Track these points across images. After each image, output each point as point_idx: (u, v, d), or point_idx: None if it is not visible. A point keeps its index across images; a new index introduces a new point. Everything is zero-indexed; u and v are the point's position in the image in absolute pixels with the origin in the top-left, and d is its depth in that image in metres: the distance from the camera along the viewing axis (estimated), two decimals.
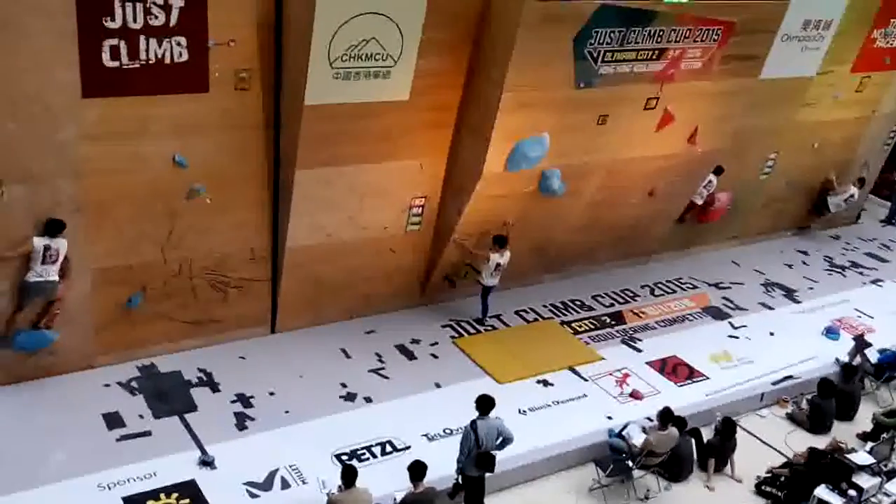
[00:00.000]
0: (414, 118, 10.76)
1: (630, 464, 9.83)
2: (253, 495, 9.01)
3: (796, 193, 16.44)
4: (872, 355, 12.42)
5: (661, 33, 11.26)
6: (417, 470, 8.49)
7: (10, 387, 9.94)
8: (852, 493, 9.57)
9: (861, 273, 16.02)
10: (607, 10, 10.63)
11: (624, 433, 10.15)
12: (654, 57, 11.50)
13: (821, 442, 10.78)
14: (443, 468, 9.02)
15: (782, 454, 10.86)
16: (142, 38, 9.08)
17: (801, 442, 10.93)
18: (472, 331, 12.49)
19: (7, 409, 9.66)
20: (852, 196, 16.61)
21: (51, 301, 9.74)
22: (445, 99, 10.94)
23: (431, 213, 11.95)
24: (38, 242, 9.35)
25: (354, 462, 9.37)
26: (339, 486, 8.41)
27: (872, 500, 9.65)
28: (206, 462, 9.29)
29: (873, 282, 15.75)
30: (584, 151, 11.95)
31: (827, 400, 11.48)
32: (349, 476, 8.31)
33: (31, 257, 9.38)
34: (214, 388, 10.53)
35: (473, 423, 8.90)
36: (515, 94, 10.59)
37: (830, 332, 13.53)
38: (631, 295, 14.13)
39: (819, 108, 15.08)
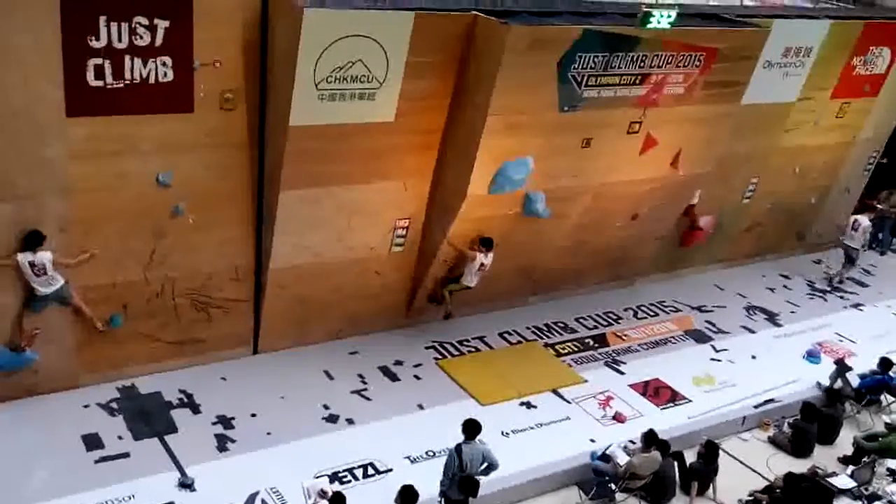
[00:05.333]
0: (399, 140, 10.80)
1: (613, 486, 9.82)
2: None
3: (778, 218, 16.57)
4: (853, 379, 12.48)
5: (644, 58, 11.38)
6: (408, 496, 8.39)
7: None
8: None
9: (842, 297, 16.13)
10: (591, 35, 10.74)
11: (608, 452, 10.14)
12: (637, 82, 11.61)
13: (803, 465, 10.80)
14: (425, 491, 8.96)
15: (764, 478, 10.86)
16: (127, 57, 9.11)
17: (783, 465, 10.94)
18: (456, 353, 12.48)
19: None
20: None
21: (76, 308, 9.93)
22: (430, 121, 10.99)
23: (416, 234, 11.97)
24: (22, 259, 9.33)
25: (336, 485, 9.31)
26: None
27: None
28: (186, 484, 9.20)
29: (854, 306, 15.86)
30: (568, 174, 12.02)
31: (810, 423, 11.53)
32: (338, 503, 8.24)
33: (25, 274, 9.39)
34: (195, 409, 10.45)
35: (458, 446, 8.86)
36: (500, 117, 10.66)
37: (812, 356, 13.60)
38: (614, 317, 14.17)
39: (800, 133, 15.24)
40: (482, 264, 11.97)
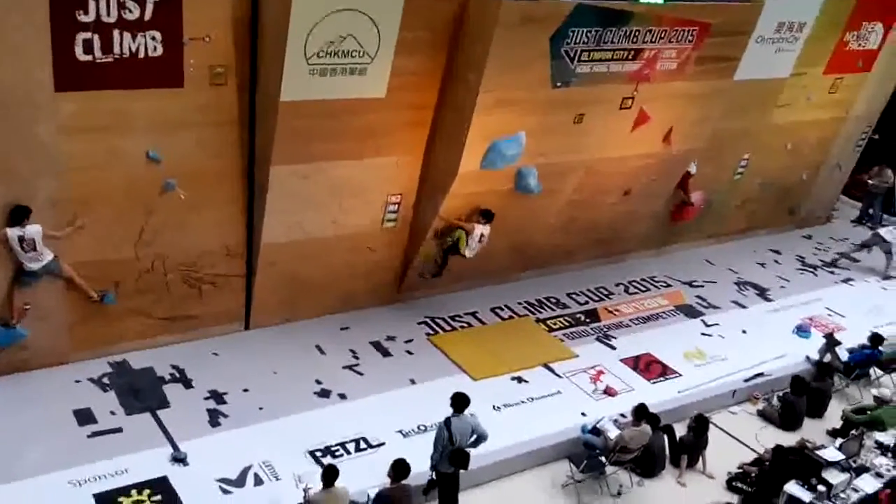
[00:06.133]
0: (390, 116, 10.76)
1: (603, 460, 9.90)
2: (226, 492, 8.97)
3: (770, 194, 16.60)
4: (843, 353, 12.56)
5: (636, 34, 11.33)
6: (401, 469, 8.45)
7: None
8: (822, 488, 9.68)
9: (832, 272, 16.21)
10: (584, 10, 10.68)
11: (599, 425, 10.21)
12: (629, 57, 11.57)
13: (792, 438, 10.90)
14: (417, 465, 9.01)
15: (753, 450, 10.97)
16: (115, 32, 9.01)
17: (772, 439, 11.04)
18: (448, 328, 12.52)
19: None
20: None
21: (68, 279, 9.89)
22: (422, 97, 10.94)
23: (407, 210, 11.95)
24: (11, 234, 9.29)
25: (328, 459, 9.37)
26: (307, 486, 8.37)
27: (842, 495, 9.75)
28: (179, 459, 9.24)
29: (844, 281, 15.93)
30: (561, 150, 12.00)
31: (799, 397, 11.62)
32: (330, 476, 8.26)
33: (14, 250, 9.35)
34: (187, 384, 10.48)
35: (447, 420, 8.91)
36: (492, 93, 10.61)
37: (801, 331, 13.68)
38: (606, 293, 14.21)
39: (792, 109, 15.23)
40: (482, 234, 11.93)
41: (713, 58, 12.49)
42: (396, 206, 11.81)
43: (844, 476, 9.93)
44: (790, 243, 17.18)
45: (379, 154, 11.10)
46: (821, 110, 15.84)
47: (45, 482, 8.69)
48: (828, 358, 12.56)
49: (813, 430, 11.41)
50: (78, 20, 8.78)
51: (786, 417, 11.59)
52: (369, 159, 11.04)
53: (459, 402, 8.98)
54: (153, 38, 9.26)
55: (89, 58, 8.99)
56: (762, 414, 11.80)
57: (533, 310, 13.35)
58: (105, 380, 10.31)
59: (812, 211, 17.97)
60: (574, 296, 13.93)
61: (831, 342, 12.67)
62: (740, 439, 11.27)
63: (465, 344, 12.13)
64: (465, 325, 12.69)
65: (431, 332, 12.36)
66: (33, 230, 9.37)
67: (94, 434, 9.46)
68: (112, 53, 9.09)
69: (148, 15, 9.10)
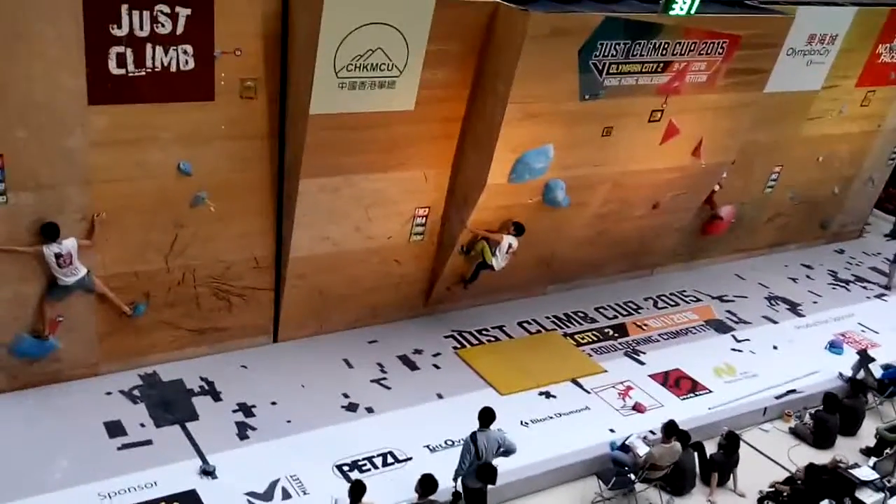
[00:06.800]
0: (419, 129, 10.77)
1: (632, 477, 9.79)
2: None
3: (801, 208, 16.42)
4: (876, 370, 12.37)
5: (666, 46, 11.27)
6: (429, 484, 8.42)
7: (16, 393, 9.98)
8: None
9: (865, 287, 15.98)
10: (613, 23, 10.65)
11: (628, 442, 10.11)
12: (659, 70, 11.51)
13: (825, 457, 10.73)
14: (444, 480, 8.98)
15: (785, 469, 10.81)
16: (148, 45, 9.12)
17: (804, 457, 10.88)
18: (475, 342, 12.47)
19: (12, 415, 9.68)
20: None
21: (97, 294, 9.98)
22: (450, 110, 10.94)
23: (435, 223, 11.95)
24: (48, 251, 9.36)
25: (355, 473, 9.34)
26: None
27: None
28: (207, 472, 9.26)
29: (878, 296, 15.71)
30: (589, 163, 11.95)
31: (832, 414, 11.44)
32: (357, 492, 8.26)
33: (50, 265, 9.43)
34: (216, 396, 10.52)
35: (473, 434, 8.88)
36: (520, 105, 10.60)
37: (834, 347, 13.49)
38: (634, 307, 14.11)
39: (824, 122, 15.09)
40: (510, 245, 11.88)
41: (743, 70, 12.40)
42: (424, 219, 11.81)
43: (879, 496, 9.79)
44: (822, 258, 16.98)
45: (407, 167, 11.11)
46: (853, 123, 15.66)
47: (74, 494, 8.75)
48: (861, 375, 12.37)
49: (846, 449, 11.22)
50: (111, 34, 8.89)
51: (818, 435, 11.41)
52: (397, 172, 11.06)
53: (486, 417, 8.95)
54: (185, 52, 9.35)
55: (122, 71, 9.10)
56: (794, 432, 11.63)
57: (560, 324, 13.27)
58: (135, 392, 10.38)
59: (844, 225, 17.76)
60: (602, 310, 13.84)
61: (865, 359, 12.48)
62: (772, 457, 11.12)
63: (492, 358, 12.08)
64: (492, 338, 12.64)
65: (459, 345, 12.32)
66: (69, 244, 9.45)
67: (124, 446, 9.51)
68: (144, 67, 9.19)
69: (180, 29, 9.20)
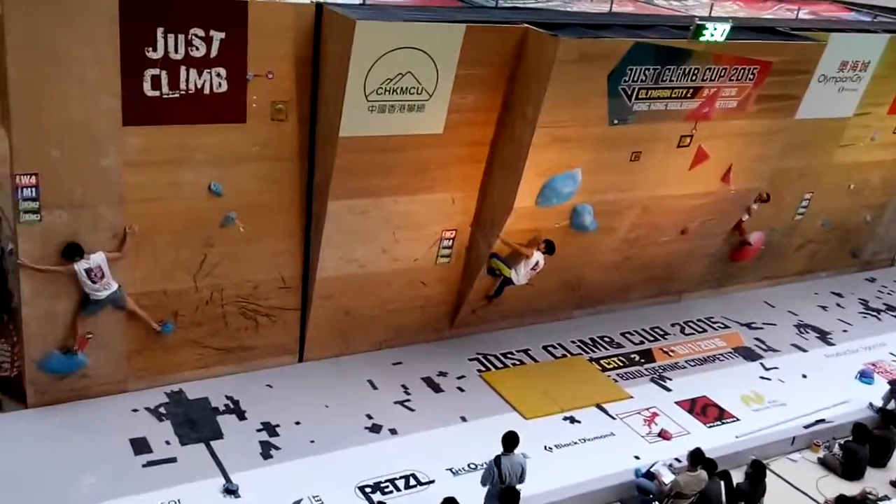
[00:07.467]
0: (447, 152, 10.83)
1: None
2: None
3: (831, 235, 16.25)
4: None
5: (696, 72, 11.25)
6: None
7: (45, 409, 10.11)
8: None
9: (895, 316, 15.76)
10: (642, 48, 10.66)
11: (653, 469, 10.02)
12: (688, 95, 11.49)
13: (854, 488, 10.56)
14: (466, 503, 8.95)
15: (813, 500, 10.65)
16: (182, 68, 9.29)
17: (833, 488, 10.70)
18: (500, 365, 12.44)
19: (39, 431, 9.80)
20: None
21: (131, 312, 10.13)
22: (479, 133, 10.99)
23: (461, 246, 11.97)
24: (78, 268, 9.51)
25: (378, 495, 9.33)
26: None
27: None
28: (231, 490, 9.30)
29: None
30: (617, 188, 11.93)
31: (862, 445, 11.27)
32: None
33: (82, 282, 9.57)
34: (241, 415, 10.57)
35: (497, 458, 8.86)
36: (549, 129, 10.62)
37: (864, 376, 13.30)
38: (661, 333, 14.00)
39: (856, 149, 14.94)
40: (537, 262, 11.82)
41: (774, 97, 12.34)
42: (451, 241, 11.84)
43: None
44: (853, 286, 16.76)
45: (434, 190, 11.17)
46: (884, 150, 15.50)
47: None
48: (892, 405, 12.17)
49: (876, 480, 11.05)
50: (147, 57, 9.07)
51: (848, 466, 11.23)
52: (425, 195, 11.12)
53: (510, 441, 8.92)
54: (218, 75, 9.50)
55: (157, 93, 9.27)
56: (823, 462, 11.45)
57: (586, 349, 13.21)
58: (161, 409, 10.46)
59: (876, 253, 17.52)
60: (628, 335, 13.76)
61: None
62: (800, 488, 10.95)
63: (517, 382, 12.04)
64: (517, 362, 12.60)
65: (483, 368, 12.30)
66: (97, 258, 9.59)
67: (149, 463, 9.58)
68: (178, 89, 9.36)
69: (214, 52, 9.36)
